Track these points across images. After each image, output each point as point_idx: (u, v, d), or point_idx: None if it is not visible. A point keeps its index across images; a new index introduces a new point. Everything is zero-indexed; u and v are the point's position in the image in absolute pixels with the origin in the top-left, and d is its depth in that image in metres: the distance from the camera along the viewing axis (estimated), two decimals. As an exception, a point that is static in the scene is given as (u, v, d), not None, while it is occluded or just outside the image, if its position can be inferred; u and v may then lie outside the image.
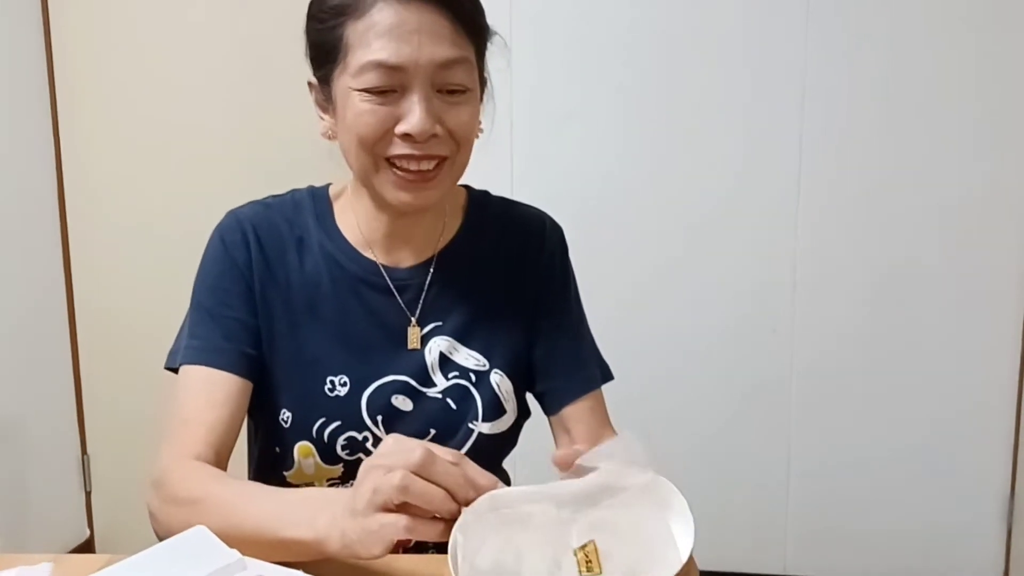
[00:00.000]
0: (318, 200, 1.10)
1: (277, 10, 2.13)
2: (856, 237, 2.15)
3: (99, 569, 0.78)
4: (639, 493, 0.78)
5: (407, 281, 1.08)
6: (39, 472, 2.31)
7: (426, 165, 0.96)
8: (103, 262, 2.39)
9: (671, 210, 2.17)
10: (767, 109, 2.12)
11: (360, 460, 1.01)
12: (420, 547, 1.03)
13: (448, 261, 1.10)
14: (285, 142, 2.18)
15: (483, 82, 1.03)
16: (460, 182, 1.09)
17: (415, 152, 0.95)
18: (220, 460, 1.00)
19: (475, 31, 0.98)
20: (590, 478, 0.79)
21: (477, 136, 1.03)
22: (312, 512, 0.80)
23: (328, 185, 1.13)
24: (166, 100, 2.32)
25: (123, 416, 2.41)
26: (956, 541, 2.23)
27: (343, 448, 1.04)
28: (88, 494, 2.48)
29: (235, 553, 0.79)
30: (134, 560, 0.77)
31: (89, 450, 2.46)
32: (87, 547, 2.46)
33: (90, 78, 2.34)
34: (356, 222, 1.08)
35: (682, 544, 0.75)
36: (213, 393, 1.01)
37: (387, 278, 1.07)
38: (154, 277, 2.32)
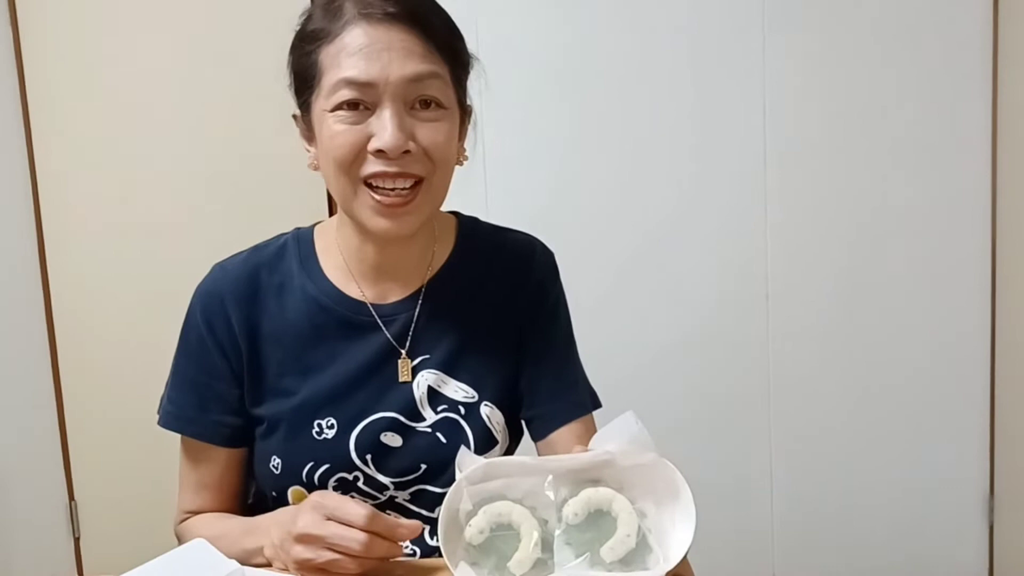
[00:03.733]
0: (302, 242, 1.10)
1: (262, 25, 2.09)
2: (825, 238, 2.21)
3: (101, 585, 0.80)
4: (642, 473, 0.79)
5: (395, 315, 1.06)
6: (26, 519, 2.29)
7: (401, 184, 0.96)
8: (85, 307, 2.37)
9: (641, 227, 2.21)
10: (730, 124, 2.18)
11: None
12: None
13: (437, 291, 1.08)
14: (269, 160, 2.17)
15: (465, 108, 1.04)
16: (447, 209, 1.09)
17: (389, 169, 0.94)
18: (223, 507, 1.10)
19: (448, 51, 0.98)
20: (589, 455, 0.80)
21: (460, 163, 1.04)
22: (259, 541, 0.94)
23: (315, 225, 1.13)
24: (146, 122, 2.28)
25: (110, 462, 2.39)
26: (939, 541, 2.27)
27: (335, 488, 1.04)
28: (77, 540, 2.47)
29: (233, 563, 0.81)
30: (136, 573, 0.80)
31: (76, 496, 2.45)
32: (77, 593, 2.44)
33: (63, 91, 2.28)
34: (342, 258, 1.07)
35: (680, 540, 0.76)
36: (196, 459, 1.09)
37: (375, 315, 1.06)
38: (138, 322, 2.31)
